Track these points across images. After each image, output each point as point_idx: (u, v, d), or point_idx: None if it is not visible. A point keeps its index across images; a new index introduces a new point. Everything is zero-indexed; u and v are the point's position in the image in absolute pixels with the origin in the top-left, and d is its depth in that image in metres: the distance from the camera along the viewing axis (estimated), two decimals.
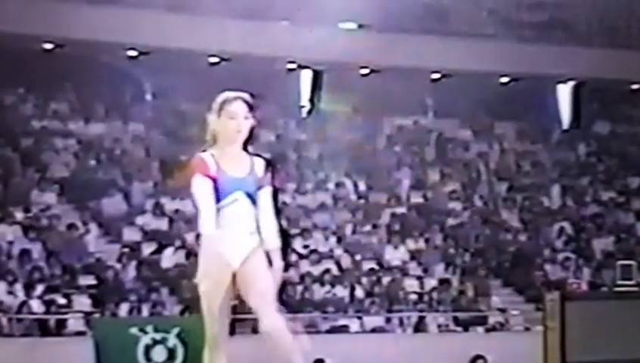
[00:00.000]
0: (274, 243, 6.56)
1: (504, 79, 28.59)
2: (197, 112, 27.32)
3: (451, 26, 28.15)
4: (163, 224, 23.05)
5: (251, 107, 6.47)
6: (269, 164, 6.67)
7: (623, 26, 28.25)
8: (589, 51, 27.39)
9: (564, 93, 29.28)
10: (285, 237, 7.24)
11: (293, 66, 27.39)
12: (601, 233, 26.01)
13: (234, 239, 6.53)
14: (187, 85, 24.59)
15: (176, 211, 23.08)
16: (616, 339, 15.51)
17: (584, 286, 23.80)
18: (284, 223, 24.11)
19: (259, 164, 6.63)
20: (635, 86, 29.18)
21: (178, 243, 22.05)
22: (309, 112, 27.74)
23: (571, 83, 28.98)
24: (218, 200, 6.50)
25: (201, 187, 6.49)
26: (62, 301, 20.05)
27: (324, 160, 26.82)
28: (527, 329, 21.96)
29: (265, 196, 6.63)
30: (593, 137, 29.61)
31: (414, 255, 24.07)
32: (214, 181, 6.48)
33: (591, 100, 29.14)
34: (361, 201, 25.95)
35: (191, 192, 6.54)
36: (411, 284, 23.10)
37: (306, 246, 23.46)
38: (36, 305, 19.76)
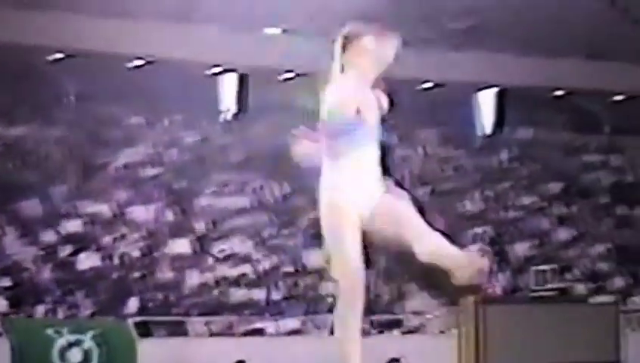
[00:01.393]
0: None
1: (428, 85, 28.66)
2: (119, 115, 27.28)
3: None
4: (79, 227, 22.90)
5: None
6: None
7: (546, 34, 28.29)
8: (512, 58, 27.53)
9: (487, 99, 29.29)
10: None
11: (219, 69, 27.31)
12: (521, 237, 26.27)
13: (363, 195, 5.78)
14: (110, 88, 24.46)
15: (93, 214, 22.98)
16: (531, 344, 15.55)
17: (498, 291, 23.88)
18: (203, 226, 24.17)
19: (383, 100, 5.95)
20: (557, 93, 29.31)
21: (94, 246, 21.96)
22: (235, 115, 27.63)
23: (494, 90, 28.99)
24: (355, 150, 5.73)
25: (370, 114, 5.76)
26: None
27: (247, 163, 26.75)
28: (443, 332, 21.95)
29: None
30: (515, 143, 29.76)
31: None
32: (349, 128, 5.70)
33: (514, 106, 29.23)
34: (282, 204, 25.96)
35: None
36: (328, 287, 22.68)
37: (223, 250, 23.50)
38: None
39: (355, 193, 5.68)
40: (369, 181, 5.74)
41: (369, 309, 21.14)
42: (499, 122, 29.28)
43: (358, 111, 5.59)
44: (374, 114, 5.71)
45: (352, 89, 5.64)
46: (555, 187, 28.67)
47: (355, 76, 5.73)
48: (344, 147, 5.61)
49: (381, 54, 5.85)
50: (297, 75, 27.28)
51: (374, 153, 5.75)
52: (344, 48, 5.79)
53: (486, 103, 29.30)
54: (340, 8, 26.08)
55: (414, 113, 28.66)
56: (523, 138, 29.90)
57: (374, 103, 5.73)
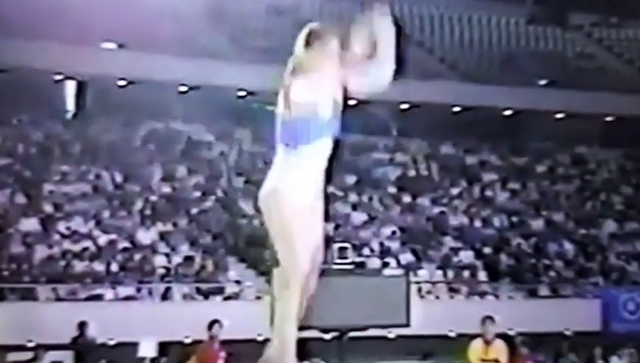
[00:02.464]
0: None
1: (242, 93, 29.19)
2: None
3: (197, 48, 28.55)
4: None
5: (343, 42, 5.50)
6: None
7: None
8: None
9: None
10: None
11: (60, 77, 27.57)
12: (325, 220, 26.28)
13: (309, 185, 5.53)
14: None
15: None
16: (333, 309, 15.13)
17: None
18: (49, 208, 24.23)
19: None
20: (351, 102, 29.93)
21: None
22: (74, 116, 27.91)
23: None
24: (307, 141, 5.44)
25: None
26: None
27: (86, 156, 26.82)
28: (259, 298, 22.25)
29: None
30: None
31: (163, 236, 24.23)
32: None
33: None
34: (118, 191, 25.97)
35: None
36: (160, 260, 23.28)
37: (68, 228, 23.44)
38: None
39: (300, 185, 5.39)
40: (313, 176, 5.44)
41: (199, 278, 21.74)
42: None
43: (312, 106, 5.30)
44: (328, 110, 5.36)
45: (308, 84, 5.36)
46: (350, 179, 29.11)
47: (313, 72, 5.41)
48: (298, 139, 5.33)
49: (377, 75, 5.51)
50: (130, 82, 27.78)
51: (325, 149, 5.42)
52: (308, 45, 5.49)
53: None
54: (165, 27, 26.92)
55: (230, 115, 29.50)
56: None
57: (329, 99, 5.39)
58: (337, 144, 5.51)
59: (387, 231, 26.75)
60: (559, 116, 32.59)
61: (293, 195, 5.36)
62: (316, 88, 5.37)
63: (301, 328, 5.40)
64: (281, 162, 5.43)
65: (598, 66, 35.43)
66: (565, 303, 25.44)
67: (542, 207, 30.21)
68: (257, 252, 24.68)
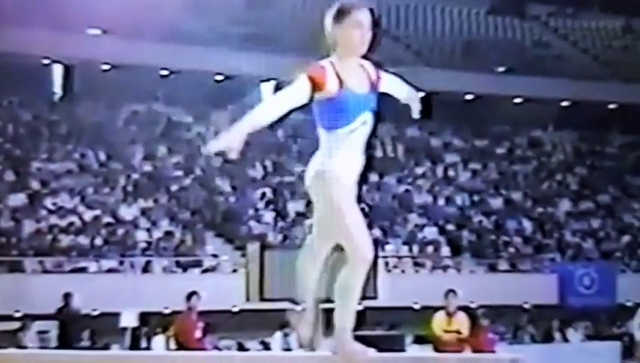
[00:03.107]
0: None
1: (219, 78, 29.13)
2: None
3: (179, 35, 28.38)
4: None
5: (375, 18, 4.99)
6: (377, 65, 5.12)
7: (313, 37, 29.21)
8: (280, 57, 27.52)
9: (267, 89, 29.83)
10: None
11: (48, 61, 27.33)
12: (294, 198, 26.14)
13: (352, 166, 5.03)
14: None
15: None
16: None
17: (279, 238, 24.09)
18: (37, 185, 24.04)
19: (372, 71, 5.07)
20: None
21: None
22: (61, 98, 27.70)
23: (273, 82, 29.62)
24: (347, 122, 4.93)
25: (294, 87, 4.90)
26: None
27: (72, 136, 26.59)
28: (235, 271, 22.08)
29: (395, 83, 5.27)
30: (290, 123, 28.68)
31: (144, 211, 24.12)
32: (336, 101, 4.89)
33: None
34: (102, 169, 25.79)
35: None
36: (141, 235, 23.20)
37: (54, 204, 23.29)
38: None
39: (345, 165, 4.97)
40: (356, 155, 5.01)
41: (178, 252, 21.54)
42: None
43: (342, 84, 4.88)
44: (361, 87, 4.96)
45: (337, 64, 4.92)
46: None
47: (343, 50, 4.96)
48: (334, 119, 4.93)
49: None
50: (114, 67, 27.59)
51: (366, 125, 5.00)
52: (338, 21, 4.95)
53: (266, 92, 29.88)
54: (147, 15, 26.71)
55: (207, 98, 29.38)
56: (295, 119, 29.90)
57: (362, 76, 5.01)
58: (377, 117, 5.07)
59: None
60: (517, 100, 32.63)
61: (340, 176, 4.94)
62: (350, 64, 4.96)
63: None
64: (324, 146, 4.99)
65: (554, 54, 35.45)
66: (524, 278, 25.47)
67: (501, 187, 30.25)
68: (233, 227, 24.72)
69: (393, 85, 5.27)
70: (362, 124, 4.96)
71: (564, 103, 33.02)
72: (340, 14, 4.92)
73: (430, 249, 25.84)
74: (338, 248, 5.16)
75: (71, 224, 22.62)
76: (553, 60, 34.79)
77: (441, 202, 28.56)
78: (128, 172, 25.79)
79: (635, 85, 33.01)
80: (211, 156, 27.32)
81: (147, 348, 18.51)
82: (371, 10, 4.95)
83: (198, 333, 14.83)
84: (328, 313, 5.24)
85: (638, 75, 33.97)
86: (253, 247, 19.82)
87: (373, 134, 5.09)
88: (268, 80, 29.29)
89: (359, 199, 5.13)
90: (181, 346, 14.54)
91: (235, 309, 20.16)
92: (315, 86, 4.86)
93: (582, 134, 34.27)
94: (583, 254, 27.45)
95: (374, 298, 15.88)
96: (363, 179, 5.14)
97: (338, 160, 4.92)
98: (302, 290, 5.31)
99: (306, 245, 5.27)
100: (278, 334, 18.81)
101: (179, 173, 26.58)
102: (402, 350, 14.61)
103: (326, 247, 5.24)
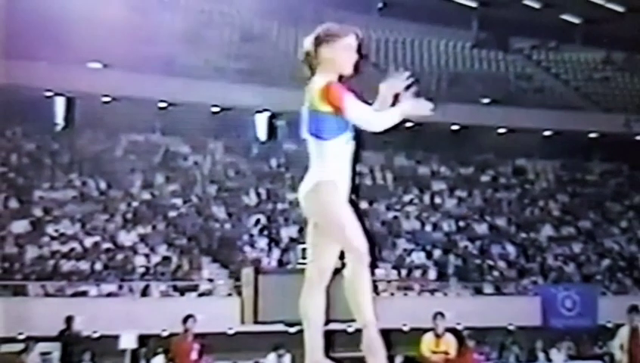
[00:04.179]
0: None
1: (216, 109, 29.16)
2: None
3: (176, 68, 28.53)
4: None
5: (360, 43, 5.10)
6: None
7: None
8: (274, 89, 27.62)
9: (262, 120, 30.01)
10: None
11: (50, 94, 27.39)
12: (289, 224, 26.19)
13: (344, 179, 5.03)
14: None
15: None
16: (297, 305, 15.62)
17: (273, 263, 24.12)
18: (39, 212, 24.06)
19: None
20: None
21: None
22: (63, 129, 27.76)
23: (267, 113, 29.72)
24: (339, 133, 4.93)
25: (365, 107, 4.92)
26: None
27: (73, 165, 26.65)
28: (230, 295, 22.32)
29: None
30: (283, 153, 29.87)
31: (142, 238, 24.15)
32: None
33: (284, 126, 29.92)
34: (102, 197, 25.82)
35: (358, 115, 4.87)
36: (140, 260, 23.23)
37: (56, 230, 23.34)
38: None
39: (338, 174, 4.98)
40: (346, 168, 5.03)
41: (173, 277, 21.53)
42: (270, 137, 30.14)
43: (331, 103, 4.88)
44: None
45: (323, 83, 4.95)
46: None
47: (329, 71, 5.02)
48: (326, 134, 4.91)
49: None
50: (114, 99, 27.67)
51: (350, 141, 5.00)
52: (320, 45, 5.04)
53: (260, 123, 30.03)
54: (146, 49, 26.88)
55: (204, 129, 29.49)
56: (289, 149, 29.71)
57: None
58: (357, 138, 5.07)
59: None
60: (501, 130, 32.73)
61: (335, 182, 4.95)
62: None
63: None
64: (317, 157, 4.97)
65: (537, 85, 35.66)
66: (508, 300, 25.51)
67: (486, 213, 30.33)
68: (229, 253, 24.74)
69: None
70: (349, 140, 4.98)
71: (547, 133, 33.16)
72: (330, 36, 5.02)
73: (418, 273, 25.88)
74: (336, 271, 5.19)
75: (72, 249, 22.68)
76: (536, 91, 35.00)
77: (428, 228, 28.62)
78: (128, 199, 25.84)
79: (614, 114, 33.24)
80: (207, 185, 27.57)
81: None
82: (357, 36, 5.07)
83: (194, 355, 14.83)
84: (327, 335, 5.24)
85: (618, 105, 34.26)
86: (247, 272, 19.94)
87: (356, 158, 5.11)
88: (262, 111, 29.58)
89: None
90: None
91: (231, 331, 20.20)
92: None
93: (563, 162, 34.40)
94: (565, 277, 27.52)
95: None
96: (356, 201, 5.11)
97: (331, 170, 4.94)
98: (307, 322, 5.18)
99: (306, 280, 5.20)
100: (272, 356, 18.85)
101: (177, 201, 26.63)
102: None
103: (327, 263, 5.19)
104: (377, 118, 4.93)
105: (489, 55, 36.63)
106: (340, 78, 5.05)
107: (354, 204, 5.13)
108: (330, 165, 4.94)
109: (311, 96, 4.94)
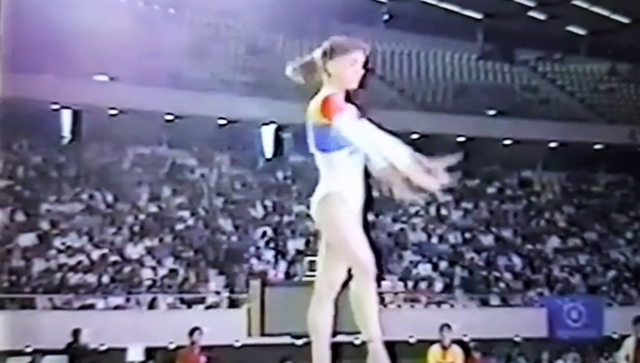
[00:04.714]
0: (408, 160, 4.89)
1: (222, 122, 29.15)
2: None
3: (183, 81, 28.60)
4: None
5: (367, 58, 5.08)
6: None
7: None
8: (280, 101, 27.24)
9: (268, 133, 30.03)
10: None
11: (57, 107, 27.45)
12: (295, 236, 26.19)
13: (354, 191, 5.01)
14: None
15: None
16: (303, 317, 15.63)
17: (280, 276, 24.13)
18: (46, 225, 24.07)
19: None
20: None
21: None
22: (70, 142, 27.82)
23: (273, 126, 29.75)
24: (343, 145, 4.90)
25: (356, 125, 4.88)
26: None
27: (80, 178, 26.67)
28: (236, 307, 22.19)
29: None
30: (289, 165, 29.89)
31: (149, 250, 24.15)
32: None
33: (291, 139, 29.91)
34: (109, 210, 25.82)
35: (345, 131, 4.81)
36: (147, 273, 23.24)
37: (63, 243, 23.33)
38: None
39: (346, 187, 4.98)
40: (357, 181, 5.02)
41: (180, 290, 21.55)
42: (277, 149, 30.16)
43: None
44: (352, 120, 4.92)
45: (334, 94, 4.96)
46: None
47: (334, 85, 5.03)
48: (328, 146, 4.92)
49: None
50: (121, 112, 27.71)
51: (356, 153, 4.93)
52: (328, 59, 5.06)
53: (267, 135, 30.06)
54: (153, 62, 26.96)
55: (211, 141, 29.51)
56: (295, 161, 29.67)
57: (351, 110, 5.01)
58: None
59: None
60: (507, 142, 32.74)
61: (343, 196, 4.95)
62: (340, 96, 5.02)
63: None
64: (325, 170, 4.98)
65: (542, 97, 35.70)
66: (514, 312, 25.48)
67: (492, 225, 30.31)
68: (235, 265, 24.73)
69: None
70: (354, 151, 4.92)
71: (552, 145, 33.15)
72: (338, 51, 5.02)
73: (424, 285, 25.85)
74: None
75: (79, 262, 22.69)
76: (541, 103, 35.02)
77: (434, 240, 28.59)
78: (134, 212, 25.86)
79: (620, 126, 33.24)
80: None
81: None
82: (364, 50, 5.06)
83: None
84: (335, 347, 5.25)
85: (623, 116, 34.25)
86: (254, 284, 19.93)
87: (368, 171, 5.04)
88: (268, 123, 29.59)
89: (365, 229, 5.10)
90: None
91: (237, 344, 20.18)
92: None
93: (569, 174, 34.38)
94: (571, 289, 27.48)
95: None
96: (365, 214, 5.12)
97: (338, 182, 4.95)
98: (315, 334, 5.20)
99: (315, 292, 5.20)
100: None
101: (183, 213, 26.62)
102: None
103: (337, 276, 5.17)
104: (361, 140, 4.81)
105: (495, 67, 36.66)
106: (347, 92, 5.06)
107: (363, 216, 5.12)
108: (337, 176, 4.95)
109: (311, 110, 4.96)
